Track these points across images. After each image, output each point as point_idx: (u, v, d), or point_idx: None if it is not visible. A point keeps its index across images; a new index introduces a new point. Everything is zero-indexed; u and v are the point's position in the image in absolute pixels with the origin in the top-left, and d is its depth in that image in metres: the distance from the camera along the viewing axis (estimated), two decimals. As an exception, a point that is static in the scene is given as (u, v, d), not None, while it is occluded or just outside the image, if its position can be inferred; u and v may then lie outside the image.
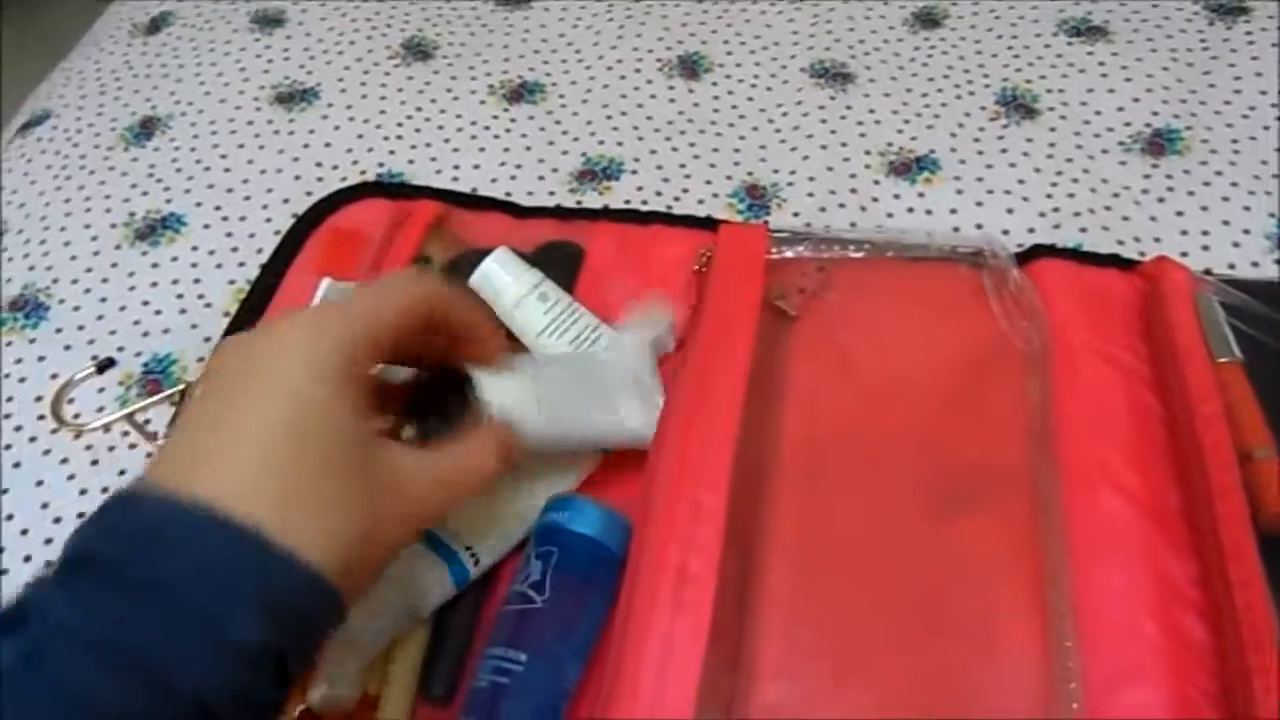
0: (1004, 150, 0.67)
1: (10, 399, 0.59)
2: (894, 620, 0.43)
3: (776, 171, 0.67)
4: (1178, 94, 0.69)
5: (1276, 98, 0.68)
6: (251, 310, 0.59)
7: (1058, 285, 0.54)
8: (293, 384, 0.33)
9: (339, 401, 0.33)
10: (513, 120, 0.73)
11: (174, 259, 0.66)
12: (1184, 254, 0.59)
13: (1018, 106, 0.70)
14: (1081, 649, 0.41)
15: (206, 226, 0.67)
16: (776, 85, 0.74)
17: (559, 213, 0.63)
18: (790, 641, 0.43)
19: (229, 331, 0.58)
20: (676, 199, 0.66)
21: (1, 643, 0.27)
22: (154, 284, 0.64)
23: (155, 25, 0.85)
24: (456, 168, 0.70)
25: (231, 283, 0.64)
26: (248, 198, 0.69)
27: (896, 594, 0.44)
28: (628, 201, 0.66)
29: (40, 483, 0.55)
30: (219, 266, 0.65)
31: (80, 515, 0.53)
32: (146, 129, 0.75)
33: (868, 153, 0.68)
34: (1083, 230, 0.62)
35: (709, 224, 0.60)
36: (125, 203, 0.70)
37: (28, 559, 0.52)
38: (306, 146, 0.72)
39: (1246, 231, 0.60)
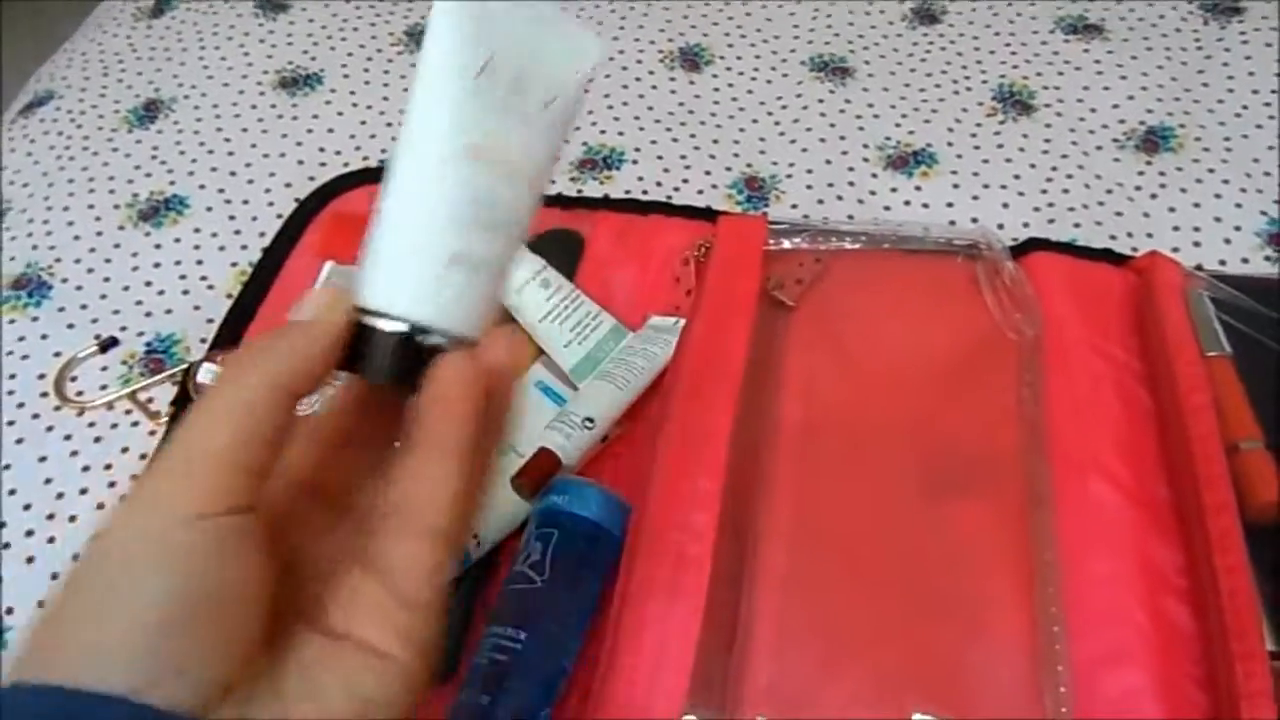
0: (1000, 145, 0.68)
1: (13, 376, 0.59)
2: (887, 603, 0.44)
3: (775, 163, 0.68)
4: (1172, 92, 0.70)
5: (1269, 97, 0.69)
6: (254, 293, 0.60)
7: (1051, 278, 0.55)
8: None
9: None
10: (515, 108, 0.73)
11: (177, 240, 0.66)
12: (1176, 249, 0.60)
13: (1014, 102, 0.71)
14: (1070, 632, 0.42)
15: (209, 209, 0.68)
16: (776, 78, 0.75)
17: (560, 201, 0.64)
18: (785, 623, 0.43)
19: (231, 315, 0.59)
20: (676, 189, 0.67)
21: None
22: (157, 265, 0.65)
23: (159, 8, 0.85)
24: (458, 155, 0.70)
25: (234, 265, 0.64)
26: (251, 181, 0.69)
27: (889, 578, 0.45)
28: (628, 191, 0.67)
29: (43, 459, 0.56)
30: (221, 249, 0.65)
31: (82, 491, 0.54)
32: (150, 111, 0.75)
33: (866, 146, 0.69)
34: (1076, 225, 0.63)
35: (708, 214, 0.61)
36: (129, 184, 0.70)
37: (29, 534, 0.53)
38: (310, 131, 0.73)
39: (1238, 228, 0.61)
